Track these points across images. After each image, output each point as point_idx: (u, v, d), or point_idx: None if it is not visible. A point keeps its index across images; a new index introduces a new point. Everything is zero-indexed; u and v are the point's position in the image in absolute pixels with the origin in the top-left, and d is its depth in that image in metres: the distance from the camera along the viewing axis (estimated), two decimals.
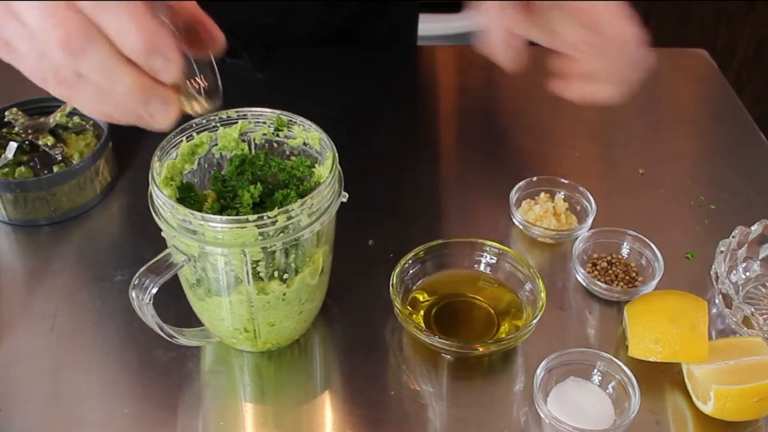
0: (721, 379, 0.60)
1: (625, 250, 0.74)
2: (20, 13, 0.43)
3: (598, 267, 0.73)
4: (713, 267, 0.71)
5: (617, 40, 0.63)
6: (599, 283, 0.70)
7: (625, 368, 0.62)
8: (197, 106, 0.52)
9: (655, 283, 0.70)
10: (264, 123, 0.64)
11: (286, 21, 0.99)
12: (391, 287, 0.66)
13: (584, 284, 0.71)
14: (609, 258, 0.73)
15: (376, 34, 1.06)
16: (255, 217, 0.53)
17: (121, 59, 0.44)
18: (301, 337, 0.68)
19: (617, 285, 0.71)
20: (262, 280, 0.58)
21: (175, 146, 0.62)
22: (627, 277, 0.72)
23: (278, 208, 0.55)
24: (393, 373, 0.65)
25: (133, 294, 0.55)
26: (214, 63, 0.53)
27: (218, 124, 0.63)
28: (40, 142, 0.77)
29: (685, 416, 0.62)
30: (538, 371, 0.62)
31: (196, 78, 0.52)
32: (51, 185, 0.75)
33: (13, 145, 0.77)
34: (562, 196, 0.79)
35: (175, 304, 0.65)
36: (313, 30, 1.02)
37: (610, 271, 0.72)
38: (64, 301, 0.70)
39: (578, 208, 0.78)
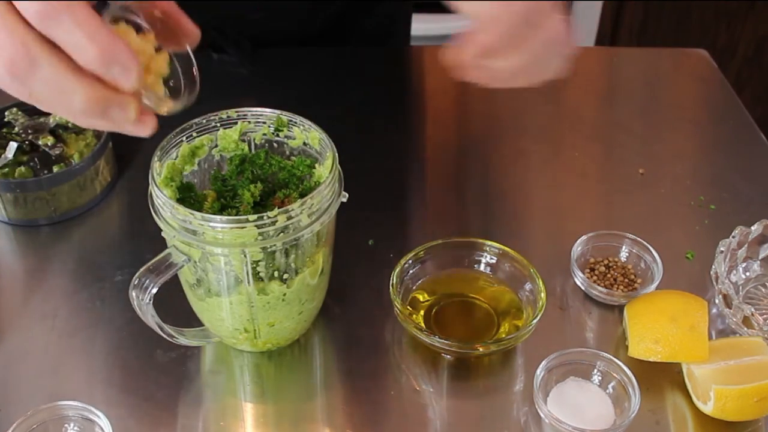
0: (721, 379, 0.60)
1: (623, 254, 0.74)
2: None
3: (596, 271, 0.73)
4: (713, 267, 0.71)
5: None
6: (598, 287, 0.70)
7: (625, 368, 0.62)
8: (166, 105, 0.52)
9: (654, 286, 0.69)
10: (264, 123, 0.64)
11: (274, 17, 0.98)
12: (391, 287, 0.66)
13: (583, 288, 0.71)
14: (606, 262, 0.73)
15: (364, 33, 1.06)
16: (255, 217, 0.53)
17: (71, 74, 0.44)
18: (301, 337, 0.68)
19: (616, 289, 0.71)
20: (262, 280, 0.58)
21: (175, 146, 0.62)
22: (626, 281, 0.72)
23: (278, 208, 0.55)
24: (393, 373, 0.65)
25: (133, 294, 0.55)
26: (191, 55, 0.52)
27: (218, 125, 0.63)
28: (40, 142, 0.77)
29: (685, 416, 0.62)
30: (538, 371, 0.62)
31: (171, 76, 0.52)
32: (51, 185, 0.75)
33: (13, 145, 0.77)
34: None
35: (175, 304, 0.65)
36: (301, 27, 1.02)
37: (609, 275, 0.72)
38: (64, 301, 0.70)
39: None
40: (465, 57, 0.54)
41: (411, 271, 0.69)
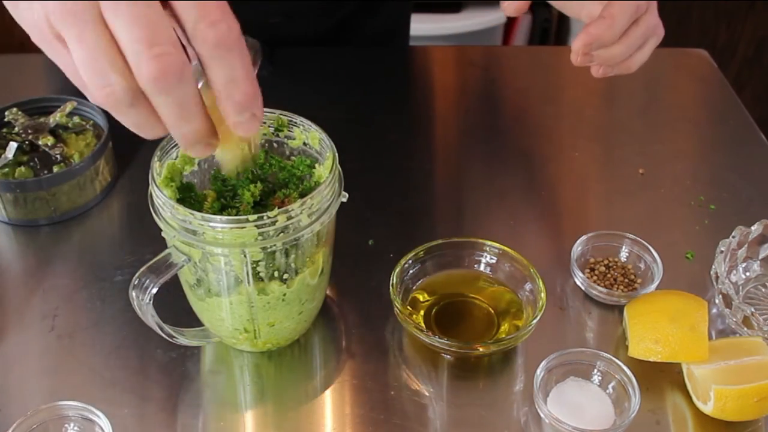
0: (721, 379, 0.60)
1: (623, 254, 0.74)
2: (117, 22, 0.41)
3: (596, 271, 0.72)
4: (713, 267, 0.71)
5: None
6: (598, 287, 0.70)
7: (625, 368, 0.62)
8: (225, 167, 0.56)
9: (654, 286, 0.69)
10: (264, 123, 0.64)
11: (291, 20, 0.99)
12: (391, 287, 0.66)
13: (583, 288, 0.71)
14: (606, 262, 0.73)
15: (367, 33, 1.07)
16: (255, 217, 0.53)
17: (199, 101, 0.43)
18: (301, 337, 0.68)
19: (616, 289, 0.71)
20: (262, 280, 0.58)
21: (175, 146, 0.62)
22: (626, 281, 0.72)
23: (278, 208, 0.55)
24: (393, 373, 0.65)
25: (133, 294, 0.55)
26: None
27: None
28: (40, 142, 0.77)
29: (685, 416, 0.62)
30: (538, 371, 0.62)
31: None
32: (51, 185, 0.75)
33: (13, 145, 0.77)
34: None
35: (175, 304, 0.65)
36: (313, 29, 1.02)
37: (609, 275, 0.72)
38: (64, 301, 0.70)
39: None
40: (580, 45, 0.63)
41: (411, 271, 0.69)
